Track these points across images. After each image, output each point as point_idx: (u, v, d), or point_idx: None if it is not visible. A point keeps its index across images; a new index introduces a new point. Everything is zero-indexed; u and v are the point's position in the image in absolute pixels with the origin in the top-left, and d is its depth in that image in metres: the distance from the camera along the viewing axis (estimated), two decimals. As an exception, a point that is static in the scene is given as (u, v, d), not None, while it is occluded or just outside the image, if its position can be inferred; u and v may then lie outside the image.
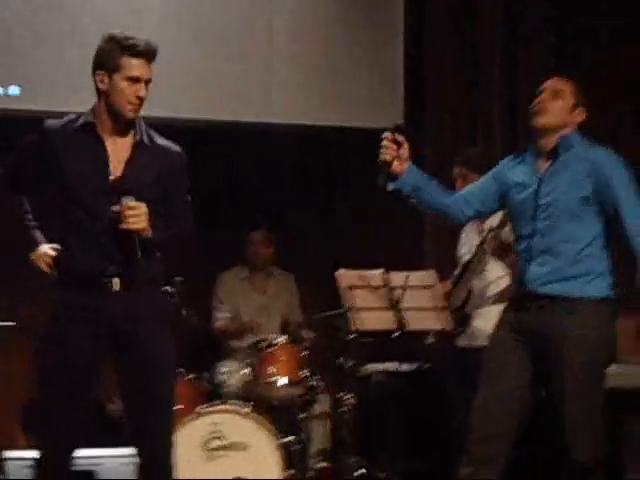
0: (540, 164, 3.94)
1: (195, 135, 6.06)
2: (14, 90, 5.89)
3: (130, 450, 4.80)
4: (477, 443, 3.85)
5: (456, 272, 5.27)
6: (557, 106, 3.88)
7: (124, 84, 3.52)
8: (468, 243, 5.20)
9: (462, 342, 5.11)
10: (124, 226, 3.47)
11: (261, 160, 6.34)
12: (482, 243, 5.01)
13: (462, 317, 5.08)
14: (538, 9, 6.40)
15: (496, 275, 5.04)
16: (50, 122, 3.62)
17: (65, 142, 3.57)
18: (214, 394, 5.53)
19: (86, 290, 3.54)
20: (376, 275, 5.18)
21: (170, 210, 3.66)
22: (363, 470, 5.51)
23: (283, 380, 5.47)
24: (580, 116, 3.93)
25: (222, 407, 5.29)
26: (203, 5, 6.23)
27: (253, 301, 6.25)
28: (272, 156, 6.38)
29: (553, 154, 3.91)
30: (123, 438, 5.34)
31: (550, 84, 3.94)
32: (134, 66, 3.52)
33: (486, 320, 4.85)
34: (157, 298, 3.68)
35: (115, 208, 3.49)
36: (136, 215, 3.47)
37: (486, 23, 6.52)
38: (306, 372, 5.52)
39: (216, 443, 5.22)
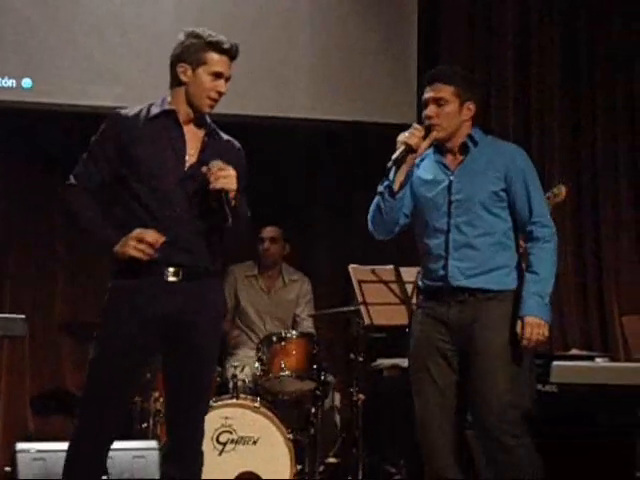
0: (449, 161, 3.96)
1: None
2: (27, 83, 5.89)
3: (151, 443, 4.88)
4: (431, 458, 3.88)
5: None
6: (444, 115, 3.89)
7: (207, 78, 3.63)
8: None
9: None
10: (216, 185, 3.51)
11: (278, 154, 6.32)
12: None
13: None
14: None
15: None
16: (123, 111, 3.67)
17: (142, 129, 3.62)
18: (224, 388, 5.53)
19: (148, 278, 3.56)
20: (388, 270, 5.18)
21: None
22: (373, 465, 5.51)
23: (293, 375, 5.46)
24: (469, 111, 3.94)
25: (232, 401, 5.29)
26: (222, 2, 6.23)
27: (257, 300, 6.20)
28: (289, 151, 6.37)
29: (461, 151, 3.95)
30: (134, 430, 5.40)
31: (430, 95, 3.91)
32: (218, 62, 3.64)
33: None
34: (216, 289, 3.74)
35: (204, 169, 3.56)
36: (227, 175, 3.53)
37: (500, 19, 6.50)
38: (317, 367, 5.50)
39: (226, 437, 5.23)
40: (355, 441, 5.52)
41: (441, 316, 3.87)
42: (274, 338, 5.53)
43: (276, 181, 6.37)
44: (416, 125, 3.90)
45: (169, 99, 3.69)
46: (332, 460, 5.73)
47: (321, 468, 5.63)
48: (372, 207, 3.98)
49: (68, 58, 5.95)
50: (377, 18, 6.44)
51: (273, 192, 6.31)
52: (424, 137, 3.87)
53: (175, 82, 3.68)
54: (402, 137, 3.85)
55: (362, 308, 5.33)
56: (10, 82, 5.87)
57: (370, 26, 6.41)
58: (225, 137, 3.79)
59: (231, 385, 5.43)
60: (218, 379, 5.58)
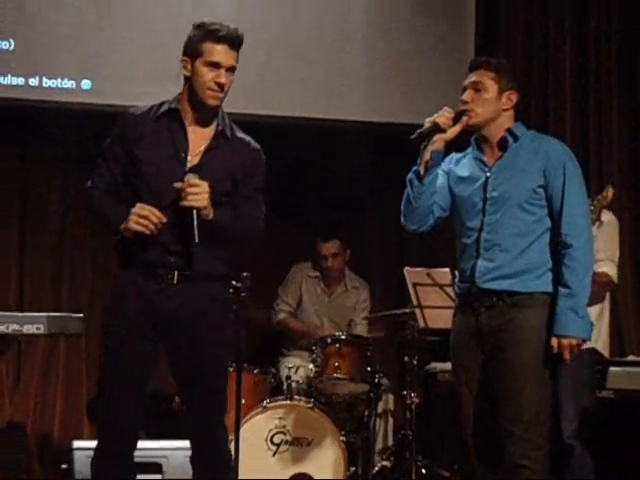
0: (487, 157, 3.83)
1: (274, 133, 6.11)
2: (86, 84, 5.94)
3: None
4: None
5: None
6: (481, 101, 3.77)
7: (204, 69, 3.53)
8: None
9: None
10: (184, 203, 3.46)
11: (332, 158, 6.32)
12: None
13: None
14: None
15: None
16: (133, 110, 3.66)
17: (147, 128, 3.60)
18: (279, 389, 5.54)
19: (141, 279, 3.56)
20: (443, 273, 5.16)
21: (238, 204, 3.64)
22: (426, 469, 5.49)
23: (347, 377, 5.45)
24: (510, 101, 3.81)
25: (287, 402, 5.30)
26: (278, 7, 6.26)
27: (317, 300, 6.19)
28: (343, 154, 6.36)
29: (500, 147, 3.81)
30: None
31: (469, 80, 3.80)
32: (215, 51, 3.52)
33: None
34: (214, 292, 3.66)
35: (177, 185, 3.49)
36: (197, 192, 3.45)
37: (556, 25, 6.44)
38: (371, 369, 5.49)
39: (280, 438, 5.24)
40: (408, 444, 5.51)
41: (472, 327, 3.75)
42: (329, 340, 5.53)
43: (331, 184, 6.36)
44: (447, 107, 3.79)
45: (177, 97, 3.66)
46: (385, 463, 5.71)
47: (374, 471, 5.62)
48: (403, 197, 3.89)
49: (126, 59, 5.99)
50: (434, 23, 6.41)
51: (328, 195, 6.31)
52: (454, 120, 3.75)
53: (183, 79, 3.63)
54: (430, 117, 3.76)
55: (417, 311, 5.32)
56: (70, 83, 5.93)
57: (426, 30, 6.38)
58: (240, 136, 3.69)
59: (285, 386, 5.44)
60: (272, 380, 5.60)
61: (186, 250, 3.54)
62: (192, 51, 3.55)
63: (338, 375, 5.43)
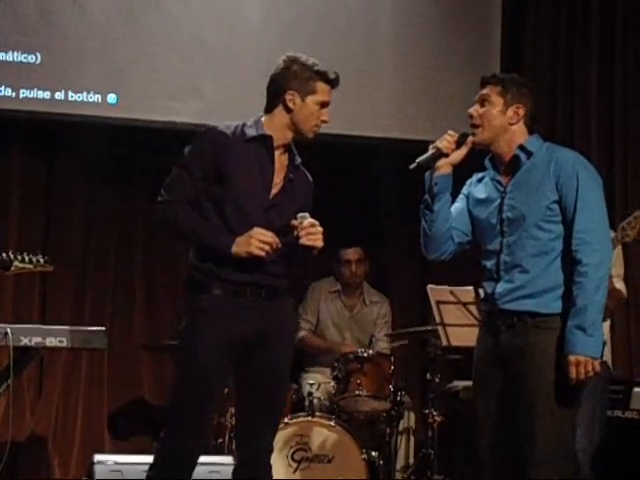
0: (503, 176, 3.74)
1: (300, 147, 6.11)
2: (112, 98, 5.97)
3: (226, 458, 4.88)
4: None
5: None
6: (487, 116, 3.69)
7: (315, 107, 3.68)
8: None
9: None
10: (304, 241, 3.58)
11: (354, 173, 6.32)
12: None
13: None
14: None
15: None
16: (220, 128, 3.66)
17: (237, 148, 3.63)
18: (300, 405, 5.53)
19: (231, 299, 3.60)
20: (467, 291, 5.14)
21: None
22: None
23: (369, 394, 5.43)
24: (516, 115, 3.70)
25: (308, 419, 5.29)
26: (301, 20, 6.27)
27: (338, 316, 6.18)
28: (366, 170, 6.36)
29: (514, 164, 3.71)
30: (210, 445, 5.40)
31: (477, 97, 3.75)
32: (326, 92, 3.69)
33: None
34: (290, 307, 3.81)
35: (295, 222, 3.60)
36: (317, 232, 3.60)
37: (583, 37, 6.44)
38: (393, 387, 5.47)
39: (301, 454, 5.23)
40: (430, 463, 5.48)
41: (493, 346, 3.67)
42: (350, 357, 5.52)
43: (353, 200, 6.36)
44: (450, 131, 3.74)
45: (263, 120, 3.70)
46: (407, 481, 5.69)
47: (395, 489, 5.60)
48: (421, 228, 3.85)
49: (152, 74, 6.02)
50: (460, 37, 6.41)
51: (351, 211, 6.30)
52: (458, 143, 3.70)
53: (276, 107, 3.68)
54: (433, 143, 3.74)
55: (440, 329, 5.29)
56: (96, 97, 5.95)
57: (453, 45, 6.39)
58: (302, 168, 3.80)
59: (307, 403, 5.43)
60: (294, 396, 5.58)
61: (270, 268, 3.63)
62: (302, 87, 3.66)
63: (360, 392, 5.41)
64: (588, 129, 6.36)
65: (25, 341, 4.65)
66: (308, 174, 3.82)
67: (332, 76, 3.69)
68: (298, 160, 3.77)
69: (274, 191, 3.66)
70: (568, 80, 6.48)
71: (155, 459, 3.65)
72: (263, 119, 3.70)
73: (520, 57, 6.58)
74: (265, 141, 3.66)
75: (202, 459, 4.72)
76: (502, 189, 3.72)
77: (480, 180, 3.85)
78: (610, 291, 4.56)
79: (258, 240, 3.52)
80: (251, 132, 3.66)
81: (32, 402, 6.08)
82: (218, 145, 3.62)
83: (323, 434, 5.26)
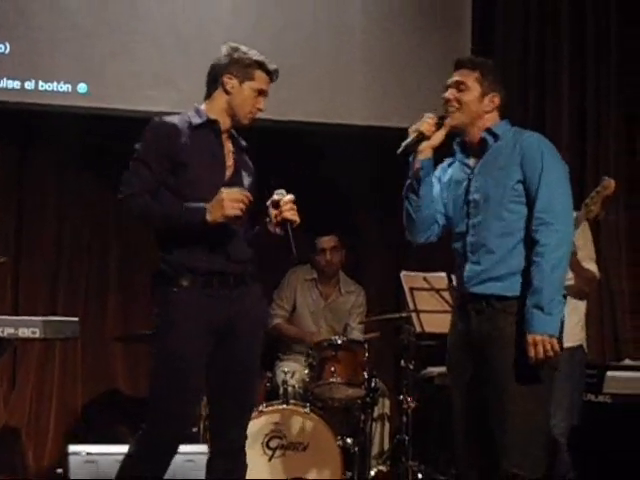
0: (471, 159, 3.76)
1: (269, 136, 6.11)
2: (82, 87, 5.94)
3: (201, 447, 4.87)
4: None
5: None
6: (464, 100, 3.69)
7: (252, 94, 3.74)
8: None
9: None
10: (285, 215, 3.63)
11: (328, 161, 6.31)
12: None
13: None
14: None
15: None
16: (168, 119, 3.71)
17: (187, 136, 3.67)
18: (275, 393, 5.53)
19: (200, 289, 3.61)
20: (440, 277, 5.15)
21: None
22: (422, 473, 5.49)
23: (343, 381, 5.44)
24: (492, 103, 3.72)
25: (283, 407, 5.30)
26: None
27: (314, 304, 6.19)
28: (338, 157, 6.36)
29: (481, 148, 3.73)
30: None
31: (452, 79, 3.72)
32: (264, 80, 3.76)
33: None
34: (259, 293, 3.81)
35: (276, 197, 3.68)
36: (294, 208, 3.66)
37: (554, 39, 6.45)
38: (367, 374, 5.48)
39: (276, 442, 5.24)
40: (405, 449, 5.50)
41: (463, 330, 3.69)
42: (325, 344, 5.53)
43: (327, 188, 6.36)
44: (428, 114, 3.73)
45: (203, 107, 3.77)
46: (381, 468, 5.71)
47: (370, 475, 5.61)
48: (403, 213, 3.83)
49: (123, 64, 5.99)
50: (430, 27, 6.43)
51: (326, 199, 6.31)
52: (437, 125, 3.70)
53: (215, 90, 3.76)
54: (413, 126, 3.72)
55: (413, 315, 5.31)
56: (65, 87, 5.92)
57: (423, 36, 6.40)
58: (243, 144, 3.87)
59: (281, 391, 5.43)
60: (268, 385, 5.60)
61: (236, 254, 3.66)
62: (241, 72, 3.73)
63: (334, 380, 5.43)
64: (559, 122, 6.37)
65: (-3, 332, 4.63)
66: (249, 159, 3.89)
67: (271, 67, 3.77)
68: (243, 143, 3.85)
69: (228, 173, 3.73)
70: (539, 74, 6.48)
71: (133, 449, 3.64)
72: (203, 106, 3.77)
73: (491, 48, 6.58)
74: (212, 126, 3.73)
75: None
76: (469, 171, 3.75)
77: (450, 164, 3.87)
78: (579, 272, 4.59)
79: (230, 199, 3.53)
80: (196, 120, 3.72)
81: (5, 393, 6.07)
82: (169, 136, 3.66)
83: (298, 422, 5.26)
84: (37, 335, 4.67)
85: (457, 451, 3.78)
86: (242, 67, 3.73)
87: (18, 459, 5.93)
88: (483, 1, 6.58)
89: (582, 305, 4.83)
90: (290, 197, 3.67)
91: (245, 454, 3.75)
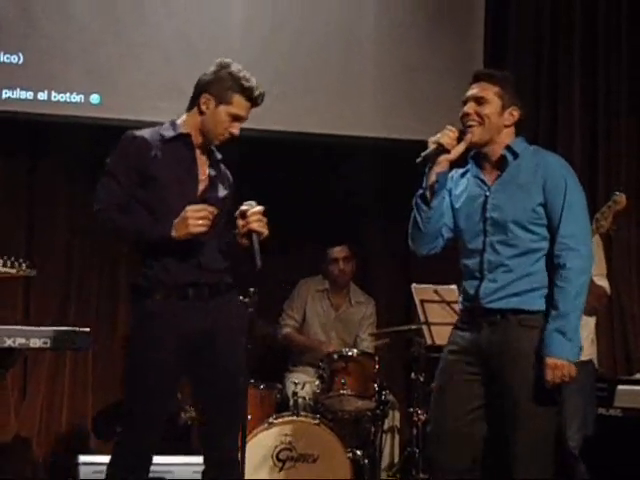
0: (487, 175, 3.72)
1: (281, 148, 6.11)
2: (95, 98, 5.96)
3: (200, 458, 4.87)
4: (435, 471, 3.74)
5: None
6: (486, 115, 3.65)
7: (226, 118, 3.68)
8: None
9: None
10: (252, 227, 3.61)
11: (338, 173, 6.32)
12: None
13: None
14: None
15: None
16: (139, 132, 3.70)
17: (158, 149, 3.66)
18: (285, 405, 5.53)
19: (175, 301, 3.63)
20: (450, 290, 5.15)
21: (227, 226, 3.78)
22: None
23: (353, 393, 5.43)
24: (512, 117, 3.69)
25: (293, 418, 5.29)
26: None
27: (324, 315, 6.18)
28: (349, 169, 6.36)
29: (500, 164, 3.70)
30: (193, 446, 5.40)
31: (472, 93, 3.68)
32: (243, 107, 3.69)
33: None
34: (237, 301, 3.85)
35: (244, 207, 3.66)
36: (262, 220, 3.63)
37: (566, 41, 6.46)
38: (377, 386, 5.48)
39: (286, 454, 5.23)
40: (415, 461, 5.49)
41: (472, 344, 3.66)
42: (335, 356, 5.52)
43: (337, 200, 6.36)
44: (449, 126, 3.68)
45: (180, 122, 3.75)
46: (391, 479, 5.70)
47: (380, 488, 5.60)
48: (410, 222, 3.78)
49: (135, 74, 6.01)
50: (443, 40, 6.43)
51: (334, 210, 6.31)
52: (458, 139, 3.65)
53: (193, 107, 3.74)
54: (434, 137, 3.67)
55: (424, 328, 5.31)
56: (78, 97, 5.95)
57: (436, 47, 6.40)
58: (219, 157, 3.84)
59: (291, 402, 5.43)
60: (278, 396, 5.59)
61: (210, 264, 3.67)
62: (219, 94, 3.67)
63: (344, 392, 5.42)
64: (571, 132, 6.37)
65: (9, 342, 4.63)
66: (228, 171, 3.87)
67: (255, 94, 3.68)
68: (218, 156, 3.82)
69: (201, 187, 3.71)
70: (551, 83, 6.49)
71: (112, 457, 3.69)
72: (182, 118, 3.76)
73: (503, 59, 6.59)
74: (184, 139, 3.71)
75: (187, 459, 4.80)
76: (486, 188, 3.71)
77: (462, 176, 3.83)
78: (591, 289, 4.59)
79: (193, 217, 3.53)
80: (169, 133, 3.71)
81: (16, 403, 6.06)
82: (139, 149, 3.66)
83: (308, 433, 5.25)
84: (48, 345, 4.67)
85: (431, 453, 3.77)
86: (222, 89, 3.67)
87: (29, 469, 5.94)
88: (495, 12, 6.58)
89: (592, 320, 4.84)
90: (259, 208, 3.65)
91: (239, 462, 3.80)
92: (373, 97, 6.33)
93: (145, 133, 3.69)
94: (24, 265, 4.59)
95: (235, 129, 3.69)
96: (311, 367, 5.84)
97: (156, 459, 4.83)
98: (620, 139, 6.31)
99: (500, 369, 3.60)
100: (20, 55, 5.88)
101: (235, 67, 3.70)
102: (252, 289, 4.44)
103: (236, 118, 3.68)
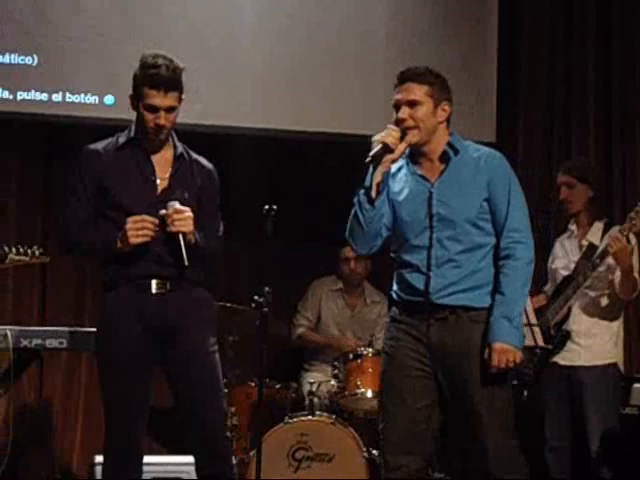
0: (427, 171, 3.73)
1: (292, 146, 6.10)
2: (109, 99, 5.97)
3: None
4: (390, 470, 3.78)
5: (549, 286, 5.18)
6: (418, 117, 3.65)
7: (146, 112, 3.70)
8: (565, 257, 5.10)
9: (562, 360, 5.00)
10: (172, 229, 3.65)
11: (356, 172, 6.31)
12: (583, 258, 4.93)
13: (562, 335, 4.98)
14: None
15: (600, 292, 4.95)
16: (92, 146, 3.79)
17: (111, 159, 3.73)
18: (300, 404, 5.53)
19: (135, 294, 3.70)
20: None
21: (204, 222, 3.81)
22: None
23: (369, 392, 5.43)
24: (444, 112, 3.70)
25: (308, 418, 5.29)
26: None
27: (339, 315, 6.19)
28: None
29: (442, 161, 3.72)
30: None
31: (402, 97, 3.69)
32: (152, 96, 3.68)
33: (590, 338, 4.90)
34: (202, 295, 3.83)
35: (162, 212, 3.67)
36: (182, 218, 3.64)
37: (581, 40, 6.44)
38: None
39: (302, 454, 5.23)
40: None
41: (420, 335, 3.68)
42: (350, 356, 5.51)
43: (351, 198, 6.35)
44: (391, 126, 3.67)
45: (133, 127, 3.79)
46: (407, 479, 5.68)
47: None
48: (350, 219, 3.77)
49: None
50: (456, 38, 6.41)
51: (348, 209, 6.29)
52: (400, 139, 3.64)
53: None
54: (378, 137, 3.65)
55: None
56: (93, 98, 5.97)
57: (449, 46, 6.38)
58: (196, 157, 3.86)
59: (307, 402, 5.43)
60: (294, 395, 5.59)
61: (171, 260, 3.71)
62: (135, 91, 3.73)
63: (360, 391, 5.41)
64: (586, 126, 6.35)
65: (25, 343, 4.66)
66: (206, 163, 3.88)
67: (157, 79, 3.66)
68: (180, 150, 3.80)
69: (162, 187, 3.74)
70: (566, 75, 6.48)
71: (103, 457, 3.77)
72: (133, 125, 3.80)
73: (518, 54, 6.58)
74: (135, 143, 3.76)
75: (174, 459, 4.81)
76: (429, 184, 3.72)
77: (395, 173, 3.80)
78: (629, 280, 4.65)
79: (133, 229, 3.60)
80: (122, 139, 3.77)
81: (33, 403, 6.08)
82: (90, 164, 3.74)
83: (324, 433, 5.25)
84: (64, 346, 4.71)
85: (389, 449, 3.81)
86: (136, 86, 3.73)
87: (45, 469, 5.95)
88: (508, 10, 6.57)
89: (614, 325, 4.89)
90: (176, 208, 3.66)
91: (230, 452, 3.89)
92: (385, 96, 6.31)
93: (100, 145, 3.78)
94: (37, 252, 4.59)
95: (161, 120, 3.68)
96: (327, 366, 5.83)
97: (172, 459, 4.88)
98: (635, 147, 6.29)
99: (456, 364, 3.65)
100: (35, 57, 5.90)
101: (151, 56, 3.74)
102: (267, 289, 4.44)
103: (153, 109, 3.67)
